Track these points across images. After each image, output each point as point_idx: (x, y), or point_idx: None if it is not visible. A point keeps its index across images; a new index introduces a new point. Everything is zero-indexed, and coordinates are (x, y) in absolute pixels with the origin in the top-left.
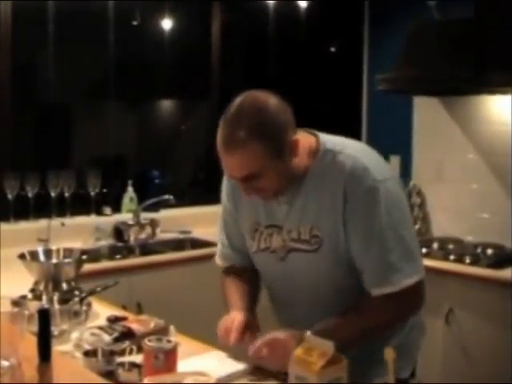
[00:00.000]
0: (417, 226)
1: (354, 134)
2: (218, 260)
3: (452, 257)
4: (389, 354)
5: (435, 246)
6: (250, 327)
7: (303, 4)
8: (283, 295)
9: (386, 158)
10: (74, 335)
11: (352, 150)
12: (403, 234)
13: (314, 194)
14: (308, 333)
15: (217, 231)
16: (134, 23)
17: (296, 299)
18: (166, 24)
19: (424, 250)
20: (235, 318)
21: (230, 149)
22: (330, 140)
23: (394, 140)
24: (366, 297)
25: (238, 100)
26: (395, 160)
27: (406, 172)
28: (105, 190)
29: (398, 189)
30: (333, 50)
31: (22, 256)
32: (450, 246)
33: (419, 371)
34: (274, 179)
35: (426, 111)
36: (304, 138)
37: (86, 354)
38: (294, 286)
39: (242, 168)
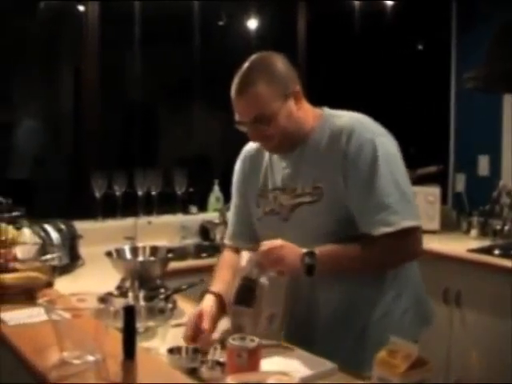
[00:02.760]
0: (506, 228)
1: (442, 134)
2: (226, 240)
3: None
4: (475, 357)
5: None
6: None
7: (389, 2)
8: None
9: (475, 157)
10: (159, 332)
11: (352, 114)
12: (400, 182)
13: (317, 152)
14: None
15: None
16: (220, 23)
17: None
18: (252, 24)
19: None
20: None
21: (239, 92)
22: (334, 110)
23: (483, 139)
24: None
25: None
26: (484, 160)
27: (495, 172)
28: (191, 189)
29: (393, 145)
30: (420, 48)
31: (109, 254)
32: None
33: (509, 373)
34: (279, 125)
35: None
36: (310, 107)
37: (171, 351)
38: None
39: (251, 109)
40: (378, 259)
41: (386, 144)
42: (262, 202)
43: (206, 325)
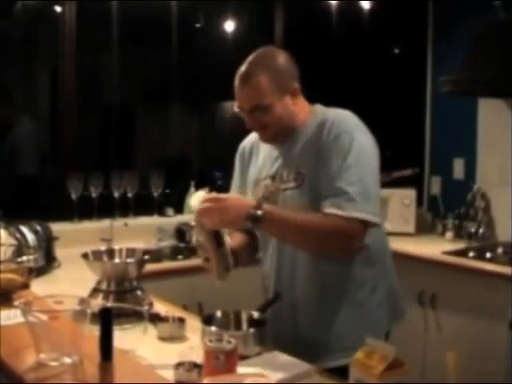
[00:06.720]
0: (481, 231)
1: (418, 137)
2: None
3: None
4: (451, 357)
5: (500, 250)
6: None
7: (366, 5)
8: (270, 247)
9: (450, 161)
10: (137, 334)
11: (339, 110)
12: (365, 179)
13: (303, 142)
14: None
15: None
16: (197, 25)
17: (280, 250)
18: (229, 26)
19: (488, 255)
20: None
21: (242, 81)
22: (325, 107)
23: (458, 142)
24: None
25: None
26: (459, 163)
27: (470, 175)
28: (167, 191)
29: (372, 146)
30: (396, 51)
31: (85, 255)
32: None
33: (484, 375)
34: (276, 116)
35: (490, 113)
36: (306, 103)
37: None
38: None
39: (251, 98)
40: (319, 235)
41: (364, 141)
42: (256, 189)
43: None
